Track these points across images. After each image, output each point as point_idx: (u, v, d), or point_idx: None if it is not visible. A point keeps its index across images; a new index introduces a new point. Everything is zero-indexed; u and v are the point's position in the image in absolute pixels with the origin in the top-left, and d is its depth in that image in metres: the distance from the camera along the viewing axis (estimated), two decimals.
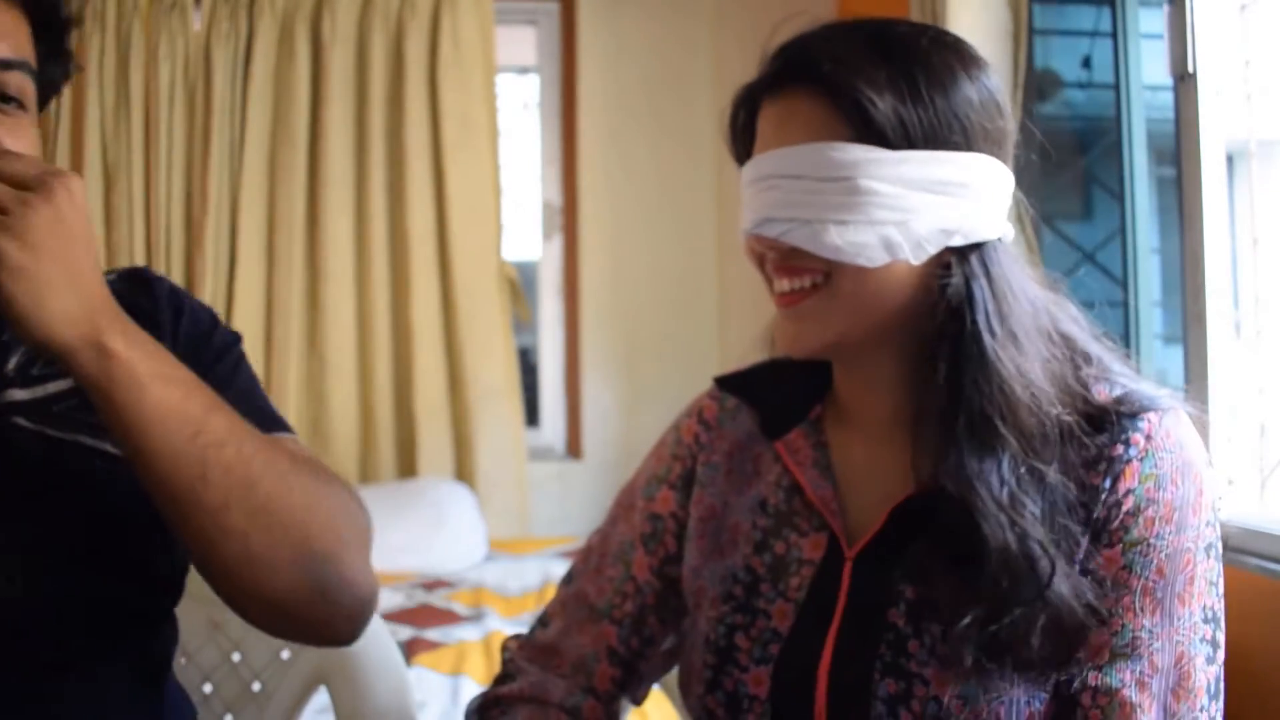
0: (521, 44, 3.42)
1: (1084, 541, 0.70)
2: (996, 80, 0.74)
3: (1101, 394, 0.73)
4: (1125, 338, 1.97)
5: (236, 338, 0.88)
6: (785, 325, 0.76)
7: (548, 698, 0.85)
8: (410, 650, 1.95)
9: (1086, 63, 2.38)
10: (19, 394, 0.77)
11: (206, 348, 0.84)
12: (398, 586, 2.44)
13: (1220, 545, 0.72)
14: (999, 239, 0.73)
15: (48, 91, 0.79)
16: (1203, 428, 0.77)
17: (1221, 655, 0.70)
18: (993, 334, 0.70)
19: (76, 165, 2.83)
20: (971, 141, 0.71)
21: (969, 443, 0.69)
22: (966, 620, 0.67)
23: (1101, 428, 0.71)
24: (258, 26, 2.95)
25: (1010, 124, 0.75)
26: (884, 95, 0.69)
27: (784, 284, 0.74)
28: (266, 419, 0.80)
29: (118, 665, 0.80)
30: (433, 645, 2.01)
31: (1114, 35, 2.07)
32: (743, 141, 0.79)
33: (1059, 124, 2.46)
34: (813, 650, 0.75)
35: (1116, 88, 2.05)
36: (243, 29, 2.95)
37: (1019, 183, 2.43)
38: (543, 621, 0.91)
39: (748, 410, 0.87)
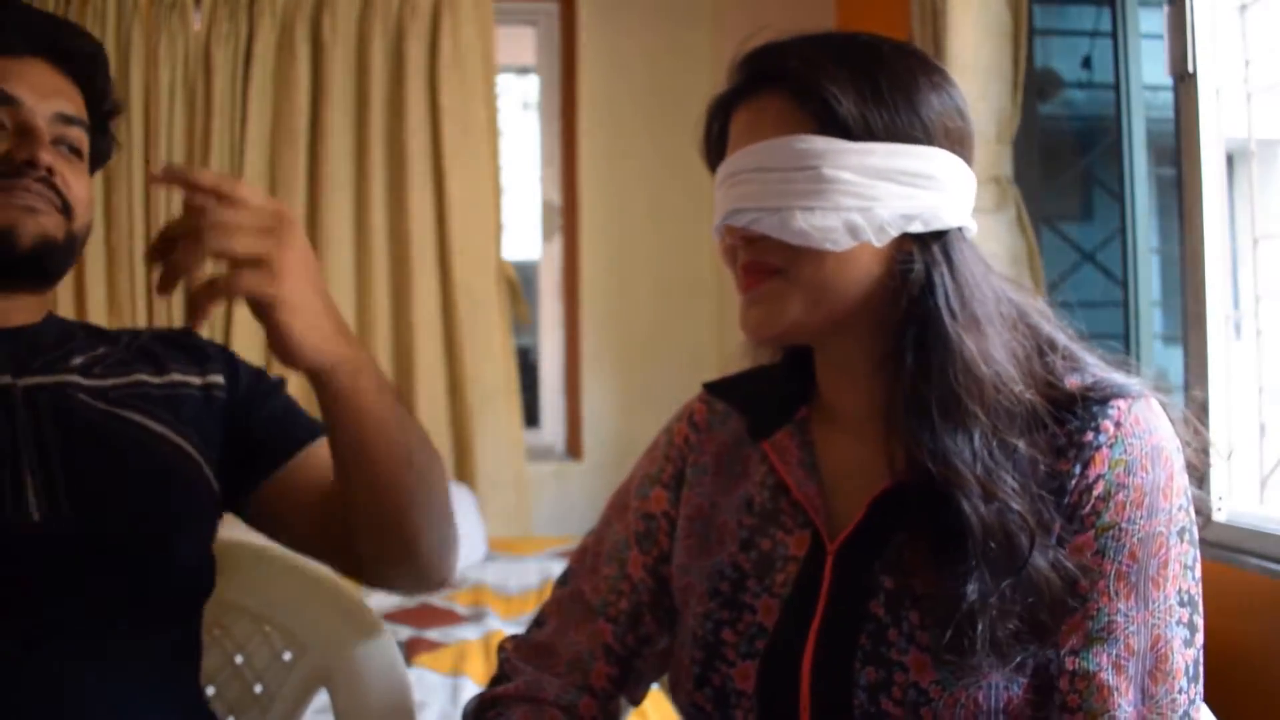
0: (521, 44, 3.42)
1: (1059, 520, 0.71)
2: (958, 90, 0.78)
3: (1072, 383, 0.74)
4: (1125, 338, 1.97)
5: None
6: (747, 311, 0.79)
7: (543, 696, 0.86)
8: (410, 650, 1.95)
9: (1086, 63, 2.38)
10: (81, 380, 0.91)
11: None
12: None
13: (1195, 530, 0.73)
14: (960, 229, 0.76)
15: (94, 162, 0.96)
16: (1198, 419, 0.79)
17: (1200, 638, 0.71)
18: (954, 317, 0.73)
19: None
20: (933, 138, 0.75)
21: (940, 423, 0.72)
22: (950, 602, 0.69)
23: (1072, 415, 0.72)
24: (258, 26, 2.95)
25: (971, 127, 0.78)
26: (847, 93, 0.73)
27: (749, 279, 0.78)
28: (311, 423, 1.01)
29: (148, 641, 0.87)
30: (433, 645, 2.01)
31: (1114, 35, 2.07)
32: (717, 150, 0.83)
33: (1059, 124, 2.46)
34: (797, 643, 0.76)
35: (1116, 88, 2.05)
36: (243, 29, 2.96)
37: (1019, 182, 2.41)
38: (538, 621, 0.91)
39: (736, 414, 0.89)
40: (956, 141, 0.76)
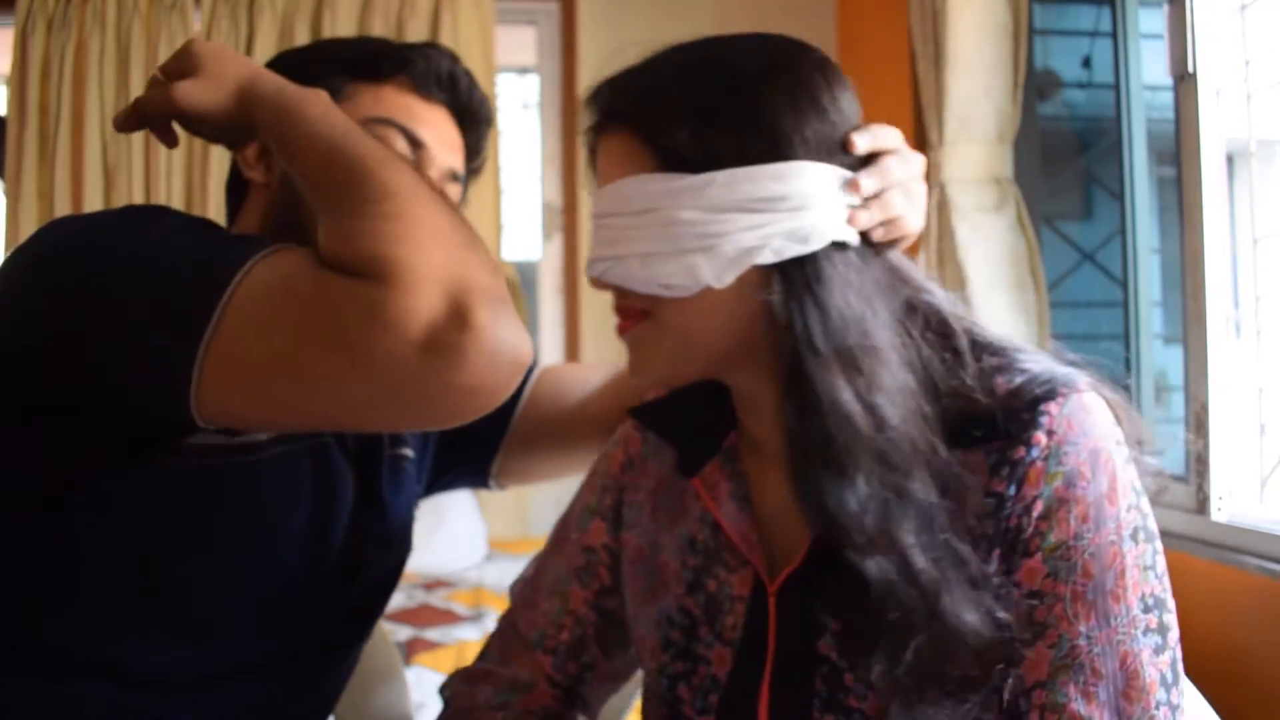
0: (521, 44, 3.42)
1: (997, 549, 0.66)
2: (840, 87, 0.71)
3: (1001, 386, 0.68)
4: (1125, 338, 1.97)
5: None
6: (628, 357, 0.75)
7: (473, 703, 0.85)
8: (410, 650, 1.95)
9: (1086, 63, 2.38)
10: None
11: None
12: (398, 586, 2.44)
13: (1150, 523, 0.67)
14: (833, 246, 0.68)
15: None
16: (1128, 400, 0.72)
17: (1174, 636, 0.66)
18: (816, 353, 0.66)
19: (77, 165, 2.83)
20: (787, 151, 0.67)
21: (821, 472, 0.65)
22: (878, 653, 0.65)
23: (1000, 429, 0.66)
24: (258, 26, 2.95)
25: (841, 118, 0.70)
26: (683, 121, 0.68)
27: (620, 323, 0.75)
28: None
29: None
30: (432, 645, 2.01)
31: (1114, 35, 2.07)
32: None
33: (1059, 124, 2.47)
34: (751, 694, 0.72)
35: (1116, 88, 2.05)
36: (243, 29, 2.96)
37: (1019, 182, 2.41)
38: (482, 654, 0.90)
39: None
40: (819, 148, 0.68)
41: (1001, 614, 0.64)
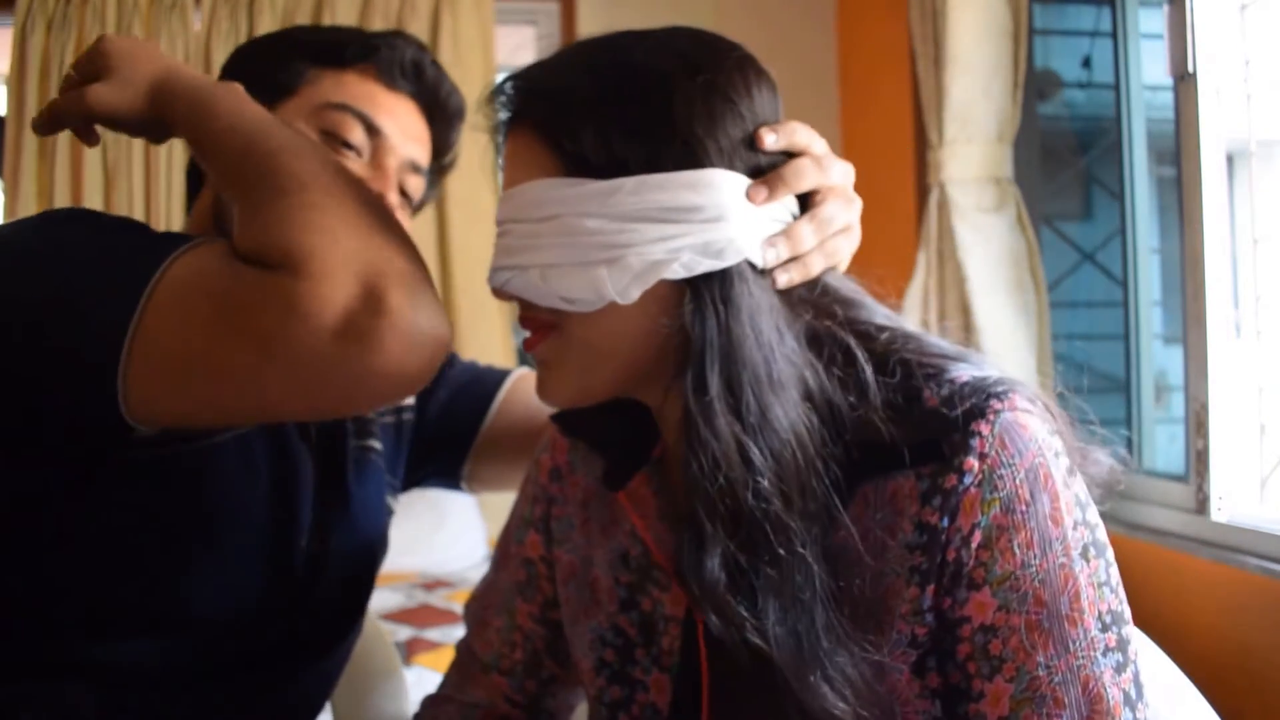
0: (521, 44, 3.42)
1: (928, 588, 0.62)
2: (738, 80, 0.66)
3: (929, 399, 0.63)
4: (1125, 338, 1.97)
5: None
6: (537, 375, 0.70)
7: None
8: (410, 650, 1.96)
9: (1086, 63, 2.38)
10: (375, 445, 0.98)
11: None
12: (398, 586, 2.44)
13: (1100, 534, 0.64)
14: (749, 263, 0.64)
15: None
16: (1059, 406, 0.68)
17: (1133, 649, 0.63)
18: (703, 392, 0.62)
19: (77, 166, 2.83)
20: (700, 158, 0.63)
21: (687, 526, 0.63)
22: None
23: (928, 451, 0.62)
24: (258, 26, 2.95)
25: (755, 116, 0.65)
26: (589, 122, 0.63)
27: (529, 337, 0.70)
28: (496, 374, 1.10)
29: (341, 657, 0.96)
30: (432, 645, 2.01)
31: (1114, 35, 2.07)
32: None
33: (1059, 124, 2.47)
34: None
35: (1116, 88, 2.06)
36: (243, 29, 2.96)
37: (1019, 183, 2.41)
38: (443, 681, 0.90)
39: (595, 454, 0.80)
40: (733, 155, 0.64)
41: (871, 684, 0.62)
